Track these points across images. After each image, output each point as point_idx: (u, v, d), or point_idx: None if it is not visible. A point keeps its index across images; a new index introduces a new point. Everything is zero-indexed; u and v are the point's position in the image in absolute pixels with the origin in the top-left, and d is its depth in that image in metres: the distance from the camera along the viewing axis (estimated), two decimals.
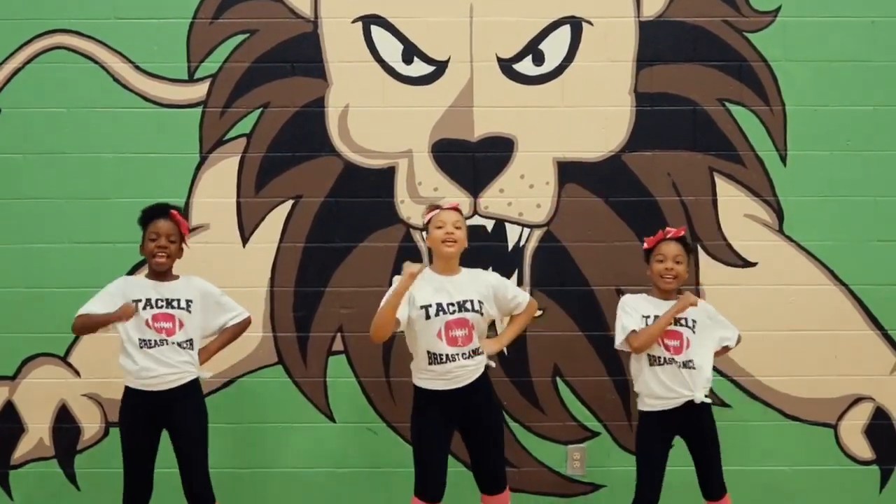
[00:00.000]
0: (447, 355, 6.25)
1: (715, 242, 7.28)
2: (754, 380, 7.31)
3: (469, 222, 7.22)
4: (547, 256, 7.30)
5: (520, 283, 7.28)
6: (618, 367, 7.27)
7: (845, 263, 7.33)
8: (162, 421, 6.38)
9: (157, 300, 6.39)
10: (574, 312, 7.30)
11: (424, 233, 6.58)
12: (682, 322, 6.45)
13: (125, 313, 6.29)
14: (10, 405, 7.29)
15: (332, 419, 7.29)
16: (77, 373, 7.28)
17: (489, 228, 7.27)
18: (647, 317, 6.49)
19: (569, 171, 7.30)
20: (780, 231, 7.34)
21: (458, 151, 7.28)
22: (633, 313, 6.51)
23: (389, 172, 7.29)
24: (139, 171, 7.28)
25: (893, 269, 7.34)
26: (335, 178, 7.29)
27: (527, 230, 7.31)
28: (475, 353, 6.32)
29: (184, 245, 6.53)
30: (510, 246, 7.30)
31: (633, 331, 6.44)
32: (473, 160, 7.27)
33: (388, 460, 7.03)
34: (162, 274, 6.46)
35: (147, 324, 6.34)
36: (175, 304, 6.42)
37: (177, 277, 6.51)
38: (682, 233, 6.61)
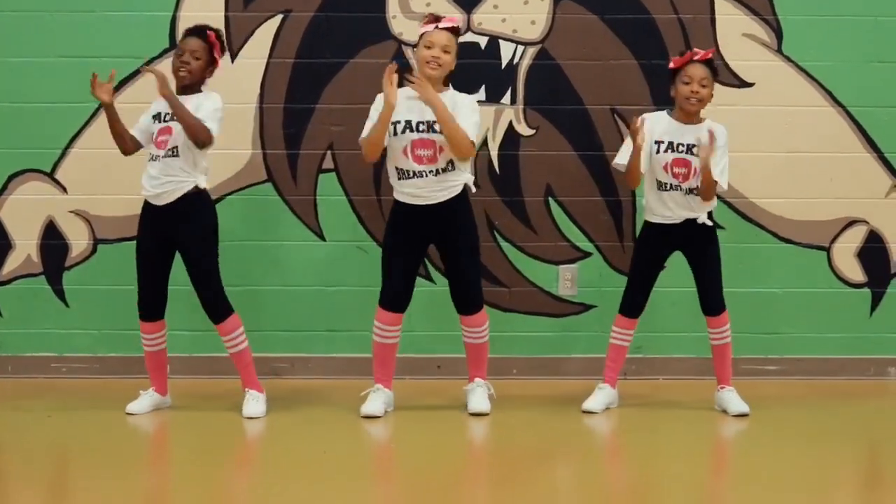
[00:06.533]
0: (413, 171, 6.33)
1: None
2: (748, 201, 7.26)
3: (462, 39, 7.06)
4: (541, 74, 7.20)
5: (513, 101, 7.19)
6: (611, 187, 7.22)
7: (844, 84, 7.24)
8: (168, 237, 6.39)
9: (166, 114, 6.34)
10: (567, 132, 7.23)
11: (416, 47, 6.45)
12: (692, 151, 6.36)
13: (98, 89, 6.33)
14: None
15: (322, 237, 7.26)
16: (64, 189, 7.20)
17: (482, 45, 7.15)
18: (661, 142, 6.40)
19: None
20: (779, 51, 7.23)
21: None
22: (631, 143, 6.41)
23: None
24: None
25: (892, 90, 7.25)
26: None
27: (521, 47, 7.19)
28: (443, 171, 6.33)
29: (214, 66, 6.42)
30: (504, 64, 7.19)
31: (622, 164, 6.45)
32: None
33: (378, 278, 6.97)
34: (188, 88, 6.36)
35: (152, 138, 6.35)
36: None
37: (197, 93, 6.39)
38: (710, 55, 6.45)
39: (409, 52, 7.12)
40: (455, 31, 6.38)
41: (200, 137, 6.24)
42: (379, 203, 7.18)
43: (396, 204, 6.43)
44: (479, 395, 6.50)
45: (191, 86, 6.37)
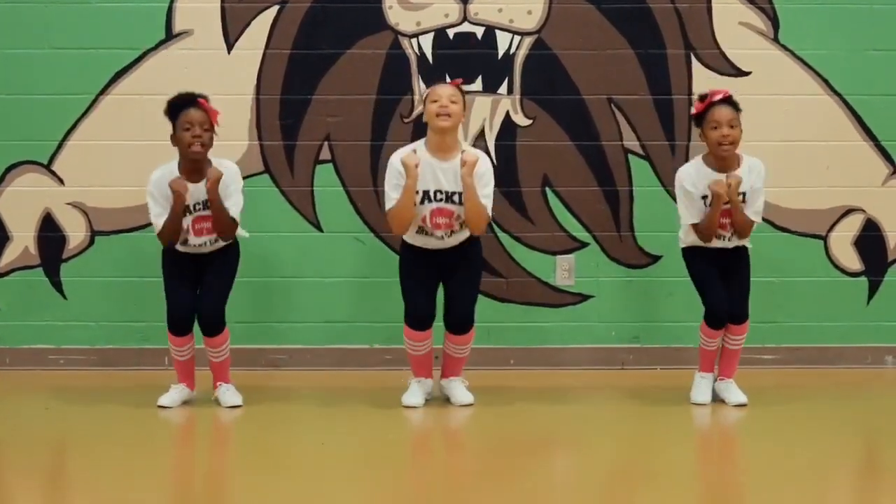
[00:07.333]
0: (430, 232, 6.34)
1: (709, 51, 7.18)
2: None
3: (459, 29, 7.15)
4: (538, 65, 7.19)
5: (510, 91, 7.19)
6: (607, 177, 7.23)
7: (840, 73, 7.24)
8: (201, 268, 6.46)
9: (195, 205, 6.29)
10: (564, 122, 7.22)
11: (423, 107, 6.38)
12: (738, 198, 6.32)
13: (180, 192, 6.21)
14: None
15: (319, 228, 7.25)
16: (61, 181, 7.20)
17: (479, 36, 7.14)
18: (706, 197, 6.30)
19: None
20: (775, 39, 7.22)
21: None
22: (693, 200, 6.30)
23: None
24: None
25: (888, 78, 7.25)
26: None
27: (517, 38, 7.18)
28: (459, 229, 6.35)
29: (214, 133, 6.31)
30: (500, 54, 7.18)
31: (696, 224, 6.33)
32: None
33: (376, 270, 7.03)
34: (196, 170, 6.28)
35: (187, 229, 6.30)
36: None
37: (208, 166, 6.32)
38: (729, 94, 6.32)
39: (405, 42, 7.13)
40: (459, 88, 6.32)
41: (228, 234, 6.38)
42: (376, 194, 7.17)
43: (408, 245, 6.44)
44: (461, 389, 6.51)
45: (203, 160, 6.30)
